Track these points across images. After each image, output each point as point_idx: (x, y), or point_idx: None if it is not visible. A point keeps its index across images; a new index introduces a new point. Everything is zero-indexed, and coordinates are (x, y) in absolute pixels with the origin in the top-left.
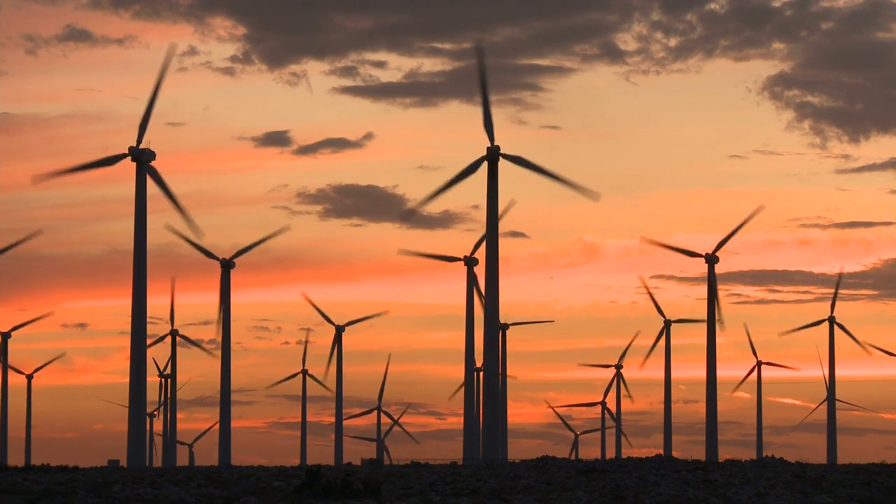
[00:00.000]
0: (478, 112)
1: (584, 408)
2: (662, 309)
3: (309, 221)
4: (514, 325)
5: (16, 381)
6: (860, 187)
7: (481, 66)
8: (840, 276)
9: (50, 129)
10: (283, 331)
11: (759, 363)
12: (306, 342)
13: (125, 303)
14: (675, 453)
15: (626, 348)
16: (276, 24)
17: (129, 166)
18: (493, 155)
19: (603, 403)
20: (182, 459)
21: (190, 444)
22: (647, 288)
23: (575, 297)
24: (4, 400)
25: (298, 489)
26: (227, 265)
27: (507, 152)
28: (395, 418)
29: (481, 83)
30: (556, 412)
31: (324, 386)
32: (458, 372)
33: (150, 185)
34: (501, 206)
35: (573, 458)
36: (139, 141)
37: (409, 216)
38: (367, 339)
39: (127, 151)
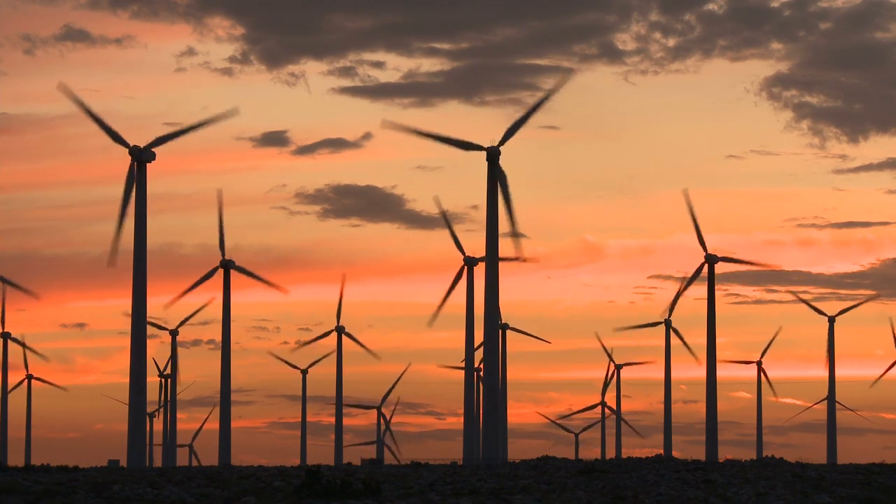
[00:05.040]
0: (477, 112)
1: (585, 412)
2: (665, 308)
3: (307, 221)
4: (513, 331)
5: (15, 380)
6: (858, 187)
7: (550, 92)
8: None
9: (49, 130)
10: (283, 331)
11: (760, 363)
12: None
13: (125, 303)
14: (675, 453)
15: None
16: (275, 24)
17: (128, 166)
18: (492, 155)
19: (603, 403)
20: (182, 460)
21: (189, 443)
22: (680, 284)
23: (575, 297)
24: (4, 400)
25: (298, 489)
26: (227, 266)
27: (507, 151)
28: (388, 418)
29: (538, 102)
30: (554, 422)
31: (304, 392)
32: (459, 372)
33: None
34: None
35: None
36: (152, 145)
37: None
38: (367, 340)
39: (129, 149)
